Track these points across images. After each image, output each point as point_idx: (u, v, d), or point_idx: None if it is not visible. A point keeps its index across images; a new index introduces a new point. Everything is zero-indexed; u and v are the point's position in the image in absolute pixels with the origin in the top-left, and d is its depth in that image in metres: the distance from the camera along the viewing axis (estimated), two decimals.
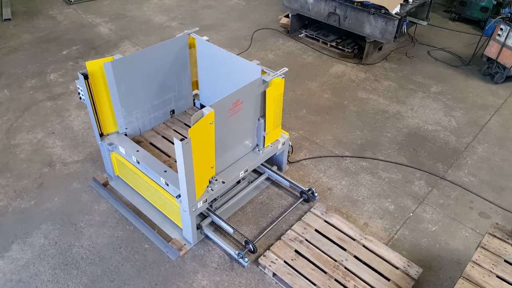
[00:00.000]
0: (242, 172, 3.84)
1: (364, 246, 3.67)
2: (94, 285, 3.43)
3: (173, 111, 4.49)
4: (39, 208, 4.06)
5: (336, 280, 3.39)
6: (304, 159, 4.74)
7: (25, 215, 4.00)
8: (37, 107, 5.41)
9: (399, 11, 6.06)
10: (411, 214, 4.16)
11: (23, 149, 4.75)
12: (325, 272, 3.45)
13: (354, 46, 6.82)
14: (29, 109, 5.36)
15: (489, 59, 6.27)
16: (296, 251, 3.61)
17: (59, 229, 3.87)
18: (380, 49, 6.83)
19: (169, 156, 4.03)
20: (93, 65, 3.55)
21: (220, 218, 3.77)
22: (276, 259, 3.53)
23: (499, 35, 5.94)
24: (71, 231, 3.85)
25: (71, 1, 8.20)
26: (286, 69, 3.77)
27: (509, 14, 5.87)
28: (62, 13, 7.88)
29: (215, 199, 3.96)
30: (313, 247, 3.65)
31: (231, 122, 3.54)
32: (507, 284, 2.83)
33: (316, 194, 4.20)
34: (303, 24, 7.44)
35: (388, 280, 3.41)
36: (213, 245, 3.77)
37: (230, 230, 3.69)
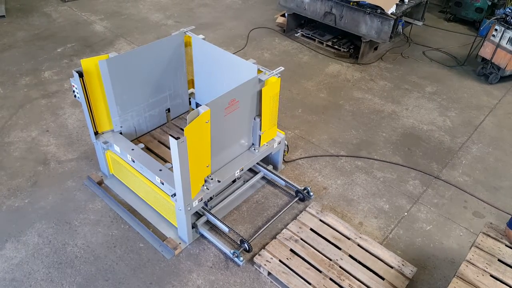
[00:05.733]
0: (238, 171, 3.84)
1: (359, 245, 3.68)
2: (89, 284, 3.42)
3: (168, 110, 4.48)
4: (33, 207, 4.04)
5: (331, 279, 3.40)
6: (299, 159, 4.74)
7: (19, 214, 3.97)
8: (31, 105, 5.37)
9: (394, 11, 6.08)
10: (406, 213, 4.18)
11: (17, 147, 4.72)
12: (320, 271, 3.45)
13: (350, 46, 6.84)
14: (23, 107, 5.32)
15: (483, 59, 6.30)
16: (291, 250, 3.62)
17: (53, 227, 3.85)
18: (375, 49, 6.85)
19: (165, 161, 4.02)
20: (88, 63, 3.53)
21: (215, 217, 3.76)
22: (271, 258, 3.53)
23: (493, 35, 5.98)
24: (66, 230, 3.83)
25: None
26: (282, 68, 3.77)
27: (503, 15, 5.90)
28: (57, 10, 7.83)
29: (210, 198, 3.95)
30: (308, 246, 3.65)
31: (227, 121, 3.53)
32: (501, 283, 2.85)
33: (311, 193, 4.21)
34: (299, 24, 7.44)
35: (383, 279, 3.43)
36: (208, 244, 3.76)
37: (225, 229, 3.68)
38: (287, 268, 3.46)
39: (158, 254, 3.66)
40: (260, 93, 3.69)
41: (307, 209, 4.00)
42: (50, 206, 4.05)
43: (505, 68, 6.00)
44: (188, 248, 3.72)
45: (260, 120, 3.84)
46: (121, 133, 4.08)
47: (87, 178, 4.32)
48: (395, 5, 6.08)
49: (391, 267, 3.52)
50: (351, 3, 6.23)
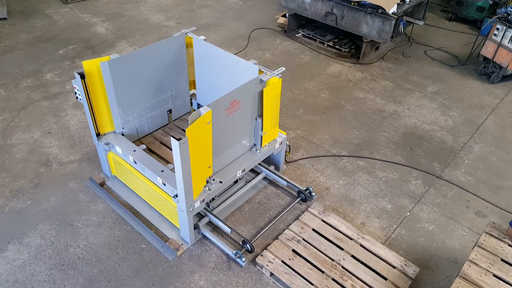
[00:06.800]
0: (240, 171, 3.84)
1: (361, 245, 3.68)
2: (91, 285, 3.42)
3: (170, 111, 4.48)
4: (36, 208, 4.04)
5: (333, 279, 3.40)
6: (301, 159, 4.74)
7: (21, 215, 3.98)
8: (33, 106, 5.38)
9: (396, 11, 6.07)
10: (408, 213, 4.17)
11: (19, 149, 4.73)
12: (323, 272, 3.45)
13: (351, 46, 6.83)
14: (26, 109, 5.33)
15: (485, 58, 6.29)
16: (293, 250, 3.61)
17: (55, 229, 3.85)
18: (377, 48, 6.84)
19: (167, 162, 4.02)
20: (89, 65, 3.53)
21: (217, 218, 3.76)
22: (274, 258, 3.53)
23: (495, 34, 5.97)
24: (68, 231, 3.84)
25: (67, 0, 8.17)
26: (284, 68, 3.77)
27: (505, 14, 5.89)
28: (58, 12, 7.85)
29: (212, 199, 3.95)
30: (311, 246, 3.65)
31: (229, 121, 3.53)
32: (504, 283, 2.84)
33: (313, 194, 4.20)
34: (300, 24, 7.44)
35: (386, 279, 3.42)
36: (210, 245, 3.76)
37: (227, 230, 3.68)
38: (289, 269, 3.46)
39: (160, 255, 3.66)
40: (261, 93, 3.69)
41: (309, 209, 4.00)
42: (52, 207, 4.06)
43: (507, 67, 5.98)
44: (190, 249, 3.72)
45: (262, 120, 3.84)
46: (123, 134, 4.08)
47: (89, 179, 4.33)
48: (396, 5, 6.07)
49: (394, 267, 3.51)
50: (352, 3, 6.23)
